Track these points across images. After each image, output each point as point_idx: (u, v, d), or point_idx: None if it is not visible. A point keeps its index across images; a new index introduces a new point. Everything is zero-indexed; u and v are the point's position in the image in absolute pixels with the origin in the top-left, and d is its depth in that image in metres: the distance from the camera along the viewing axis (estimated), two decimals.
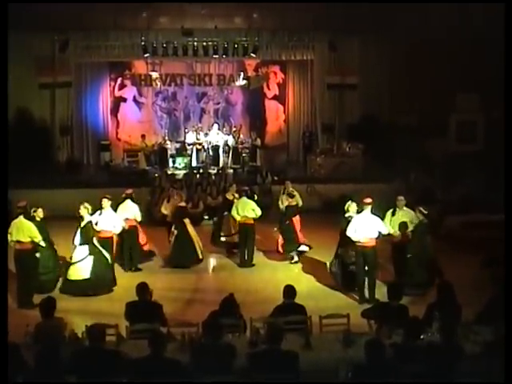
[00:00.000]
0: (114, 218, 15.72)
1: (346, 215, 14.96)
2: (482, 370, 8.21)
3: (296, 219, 17.25)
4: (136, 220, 16.86)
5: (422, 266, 14.37)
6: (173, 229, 17.23)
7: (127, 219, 16.62)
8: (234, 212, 17.34)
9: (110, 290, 14.78)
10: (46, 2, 21.74)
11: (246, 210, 17.21)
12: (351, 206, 14.98)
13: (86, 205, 14.64)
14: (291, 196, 17.37)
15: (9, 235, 13.99)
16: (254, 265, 17.35)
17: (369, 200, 14.29)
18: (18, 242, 14.05)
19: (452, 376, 8.05)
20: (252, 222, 17.33)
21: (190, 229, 17.27)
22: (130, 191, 17.27)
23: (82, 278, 14.55)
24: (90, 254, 14.56)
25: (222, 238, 18.37)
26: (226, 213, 18.33)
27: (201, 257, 17.25)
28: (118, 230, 15.87)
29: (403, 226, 14.78)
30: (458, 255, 15.67)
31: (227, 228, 18.31)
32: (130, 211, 16.76)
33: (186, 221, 17.28)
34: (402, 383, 7.90)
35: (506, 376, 7.69)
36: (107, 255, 14.80)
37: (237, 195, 18.30)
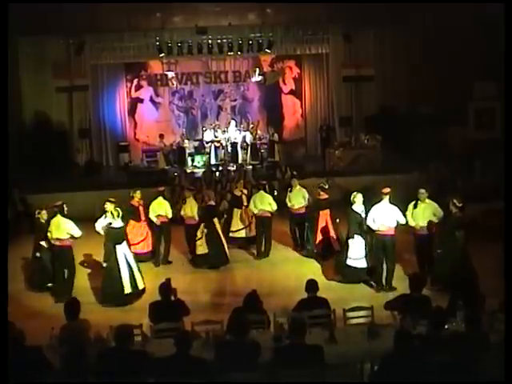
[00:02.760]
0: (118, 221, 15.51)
1: (353, 207, 14.92)
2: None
3: (324, 213, 17.18)
4: (167, 216, 17.20)
5: (453, 262, 14.13)
6: (202, 227, 17.17)
7: (159, 215, 17.08)
8: (251, 205, 17.64)
9: (117, 304, 14.13)
10: (51, 2, 21.75)
11: (263, 203, 17.54)
12: (357, 197, 14.92)
13: (113, 210, 14.51)
14: (323, 189, 17.32)
15: (49, 234, 14.59)
16: (267, 255, 17.70)
17: (387, 190, 14.42)
18: (58, 239, 14.52)
19: (478, 365, 8.01)
20: (269, 214, 17.68)
21: (219, 228, 17.21)
22: (162, 188, 17.81)
23: (104, 287, 14.48)
24: (104, 261, 14.54)
25: (231, 234, 18.41)
26: (234, 209, 18.51)
27: (229, 257, 17.18)
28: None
29: (429, 222, 14.75)
30: (480, 244, 15.54)
31: (237, 223, 18.43)
32: (162, 208, 17.15)
33: (216, 220, 17.22)
34: (427, 373, 7.88)
35: (506, 376, 7.63)
36: (123, 265, 14.29)
37: (245, 191, 18.73)
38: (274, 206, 17.65)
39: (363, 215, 14.75)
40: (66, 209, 14.85)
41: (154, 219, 17.10)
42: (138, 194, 17.47)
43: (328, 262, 16.50)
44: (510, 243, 10.04)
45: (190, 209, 17.25)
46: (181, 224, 17.96)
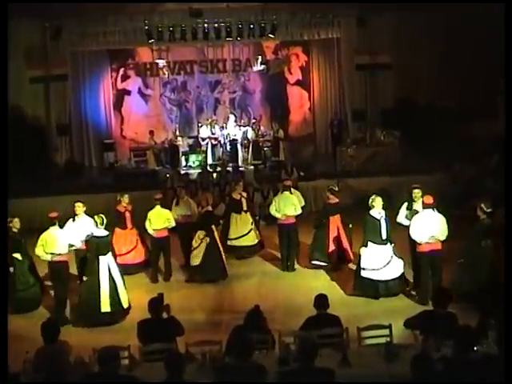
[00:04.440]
0: (91, 225, 15.23)
1: (371, 212, 14.88)
2: None
3: (335, 219, 17.20)
4: (168, 228, 17.09)
5: (481, 275, 14.07)
6: (197, 237, 17.14)
7: (158, 229, 16.92)
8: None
9: (92, 323, 14.04)
10: None
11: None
12: (376, 201, 14.88)
13: (96, 217, 14.49)
14: (333, 192, 17.36)
15: (41, 248, 14.41)
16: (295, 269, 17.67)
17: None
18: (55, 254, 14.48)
19: None
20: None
21: (217, 237, 17.16)
22: (159, 196, 17.58)
23: (80, 303, 14.42)
24: (85, 275, 14.48)
25: (229, 242, 18.41)
26: (232, 214, 18.57)
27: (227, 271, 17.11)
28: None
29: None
30: None
31: (236, 230, 18.47)
32: (162, 219, 16.99)
33: (214, 228, 17.21)
34: None
35: (506, 376, 7.71)
36: (104, 281, 14.16)
37: (244, 194, 18.75)
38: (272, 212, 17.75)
39: (382, 221, 14.73)
40: None
41: (151, 232, 16.94)
42: (125, 199, 17.49)
43: (340, 273, 16.59)
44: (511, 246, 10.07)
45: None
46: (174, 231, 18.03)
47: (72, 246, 14.71)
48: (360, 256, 14.94)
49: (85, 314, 14.17)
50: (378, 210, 14.80)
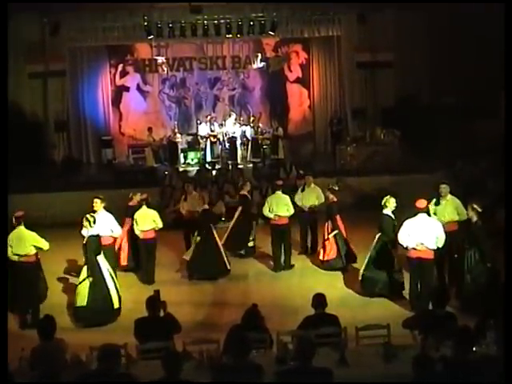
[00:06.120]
0: (110, 219, 15.61)
1: (384, 212, 14.92)
2: None
3: (338, 218, 17.22)
4: (155, 229, 16.84)
5: (480, 278, 14.02)
6: (196, 235, 17.16)
7: (145, 230, 16.69)
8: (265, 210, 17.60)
9: (107, 321, 14.15)
10: None
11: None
12: (389, 201, 14.91)
13: (88, 216, 14.45)
14: (333, 191, 17.38)
15: (9, 248, 14.22)
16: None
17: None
18: (21, 255, 14.30)
19: None
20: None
21: (216, 235, 17.21)
22: (144, 196, 17.26)
23: (80, 305, 14.25)
24: (87, 276, 14.40)
25: (250, 244, 18.53)
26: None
27: (229, 267, 17.07)
28: (117, 233, 15.77)
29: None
30: None
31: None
32: (148, 219, 16.75)
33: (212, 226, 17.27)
34: None
35: (506, 376, 7.74)
36: (108, 278, 14.28)
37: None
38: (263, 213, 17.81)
39: (395, 222, 14.76)
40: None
41: (138, 233, 16.71)
42: (137, 197, 17.40)
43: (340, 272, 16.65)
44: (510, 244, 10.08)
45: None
46: (172, 228, 18.01)
47: (39, 248, 14.57)
48: (371, 256, 15.01)
49: (99, 314, 14.13)
50: (390, 211, 14.88)
